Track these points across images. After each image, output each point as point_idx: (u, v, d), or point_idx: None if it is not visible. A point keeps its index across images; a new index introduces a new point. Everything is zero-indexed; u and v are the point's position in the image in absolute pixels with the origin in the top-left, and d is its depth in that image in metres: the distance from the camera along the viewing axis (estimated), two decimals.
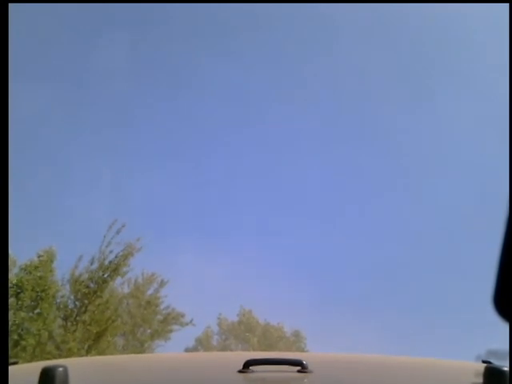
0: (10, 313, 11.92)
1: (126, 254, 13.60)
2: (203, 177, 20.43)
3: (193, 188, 20.11)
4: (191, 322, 15.45)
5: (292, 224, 19.94)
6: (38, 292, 12.86)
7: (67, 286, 13.53)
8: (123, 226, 13.32)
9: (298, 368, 1.24)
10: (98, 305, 13.15)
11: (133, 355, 6.66)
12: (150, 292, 15.22)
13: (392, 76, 19.98)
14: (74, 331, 12.69)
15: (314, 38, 19.73)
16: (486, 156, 17.17)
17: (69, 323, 13.00)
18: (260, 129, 20.44)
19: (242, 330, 21.75)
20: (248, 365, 1.24)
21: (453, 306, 16.40)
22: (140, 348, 14.66)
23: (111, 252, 13.44)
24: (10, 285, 12.22)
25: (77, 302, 13.39)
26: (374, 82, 19.75)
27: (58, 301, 13.51)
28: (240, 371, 1.24)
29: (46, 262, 13.29)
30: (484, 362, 1.38)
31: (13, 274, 12.83)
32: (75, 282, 13.33)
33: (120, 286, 14.45)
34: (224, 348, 21.22)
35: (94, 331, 12.73)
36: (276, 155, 20.43)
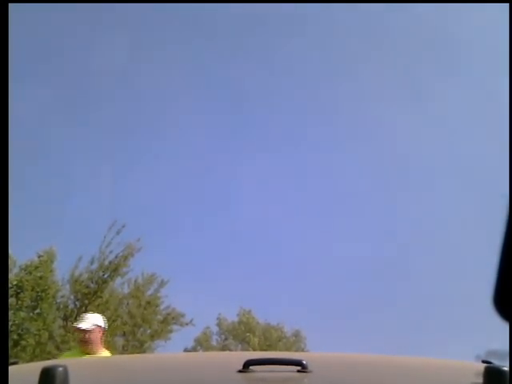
0: (10, 313, 11.92)
1: (126, 255, 13.60)
2: (203, 177, 20.44)
3: (193, 188, 20.12)
4: (191, 322, 15.44)
5: (292, 224, 19.95)
6: (37, 292, 12.86)
7: (67, 286, 13.54)
8: (123, 227, 13.33)
9: (298, 368, 1.23)
10: (98, 305, 13.15)
11: (133, 355, 6.66)
12: (149, 292, 15.20)
13: (390, 76, 19.97)
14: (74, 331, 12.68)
15: (311, 37, 19.74)
16: (485, 156, 17.17)
17: (69, 323, 13.00)
18: (260, 128, 20.45)
19: (241, 330, 21.73)
20: (248, 365, 1.24)
21: (453, 305, 16.40)
22: (140, 348, 14.65)
23: (111, 252, 13.45)
24: (9, 285, 12.21)
25: (77, 302, 13.40)
26: (371, 81, 19.74)
27: (58, 301, 13.52)
28: (240, 371, 1.24)
29: (46, 262, 13.30)
30: (484, 362, 1.38)
31: (13, 274, 12.83)
32: (75, 282, 13.33)
33: (120, 286, 14.46)
34: (223, 348, 21.20)
35: None
36: (276, 155, 20.43)
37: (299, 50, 20.43)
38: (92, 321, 3.82)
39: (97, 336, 3.77)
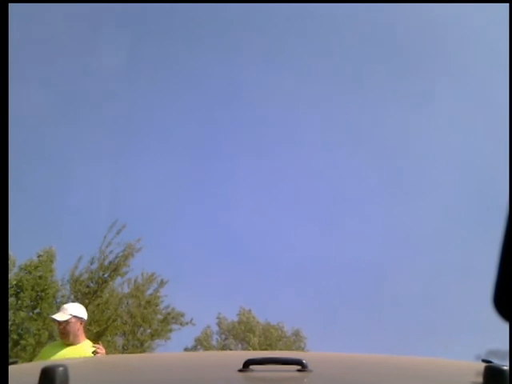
0: (10, 312, 11.93)
1: (126, 255, 13.61)
2: (203, 176, 20.44)
3: (193, 188, 20.12)
4: (191, 321, 15.46)
5: (291, 224, 19.95)
6: (37, 292, 12.87)
7: (67, 286, 13.55)
8: (124, 227, 13.34)
9: (298, 367, 1.23)
10: (98, 305, 13.16)
11: (133, 355, 6.66)
12: (149, 292, 15.23)
13: (389, 76, 19.96)
14: None
15: (312, 37, 19.73)
16: (485, 156, 17.18)
17: None
18: (260, 128, 20.45)
19: (241, 330, 21.75)
20: (248, 364, 1.24)
21: (453, 305, 16.41)
22: (140, 348, 14.67)
23: (111, 252, 13.47)
24: (9, 285, 12.23)
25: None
26: (371, 81, 19.74)
27: (58, 301, 13.52)
28: (240, 370, 1.24)
29: (46, 261, 13.31)
30: (484, 361, 1.38)
31: (13, 274, 12.85)
32: (75, 281, 13.34)
33: (120, 285, 14.47)
34: (224, 348, 21.21)
35: (94, 331, 12.73)
36: (275, 155, 20.44)
37: (299, 50, 20.44)
38: (69, 311, 3.73)
39: (75, 327, 3.67)
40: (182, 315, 15.41)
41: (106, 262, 13.45)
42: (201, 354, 5.35)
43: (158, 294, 15.23)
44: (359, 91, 19.76)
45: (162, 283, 15.17)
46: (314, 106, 20.25)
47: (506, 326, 0.73)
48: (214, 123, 20.11)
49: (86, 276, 13.42)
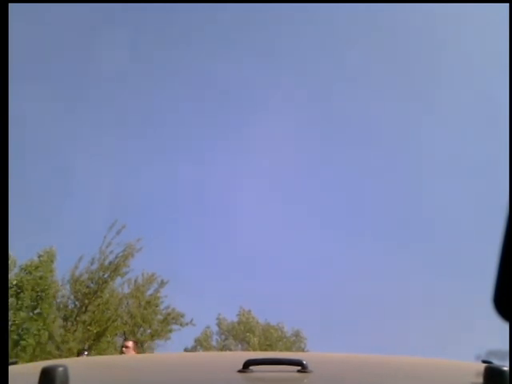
0: (10, 313, 11.91)
1: (127, 255, 13.61)
2: (203, 177, 20.44)
3: (193, 188, 20.12)
4: (191, 321, 15.44)
5: (292, 224, 19.95)
6: (38, 292, 12.86)
7: (67, 286, 13.55)
8: (123, 227, 13.34)
9: (298, 368, 1.23)
10: (98, 305, 13.16)
11: (133, 355, 6.65)
12: (149, 292, 15.21)
13: (389, 76, 19.97)
14: (74, 331, 12.70)
15: (312, 37, 19.75)
16: (485, 156, 17.18)
17: (69, 323, 13.01)
18: (260, 129, 20.44)
19: (241, 330, 21.71)
20: (248, 365, 1.24)
21: (452, 305, 16.39)
22: (140, 348, 14.65)
23: (111, 252, 13.46)
24: (9, 285, 12.21)
25: (77, 302, 13.40)
26: (370, 81, 19.75)
27: (58, 301, 13.52)
28: (240, 371, 1.23)
29: (46, 262, 13.30)
30: (484, 361, 1.38)
31: (13, 274, 12.82)
32: (75, 282, 13.34)
33: (120, 286, 14.46)
34: (223, 348, 21.17)
35: (94, 331, 12.73)
36: (276, 155, 20.43)
37: (299, 50, 20.44)
38: None
39: None
40: (182, 316, 15.40)
41: (106, 263, 13.45)
42: (200, 354, 5.33)
43: (158, 295, 15.23)
44: (358, 91, 19.76)
45: (162, 283, 15.16)
46: (315, 106, 20.25)
47: (506, 326, 0.73)
48: (214, 123, 20.12)
49: (86, 276, 13.42)
